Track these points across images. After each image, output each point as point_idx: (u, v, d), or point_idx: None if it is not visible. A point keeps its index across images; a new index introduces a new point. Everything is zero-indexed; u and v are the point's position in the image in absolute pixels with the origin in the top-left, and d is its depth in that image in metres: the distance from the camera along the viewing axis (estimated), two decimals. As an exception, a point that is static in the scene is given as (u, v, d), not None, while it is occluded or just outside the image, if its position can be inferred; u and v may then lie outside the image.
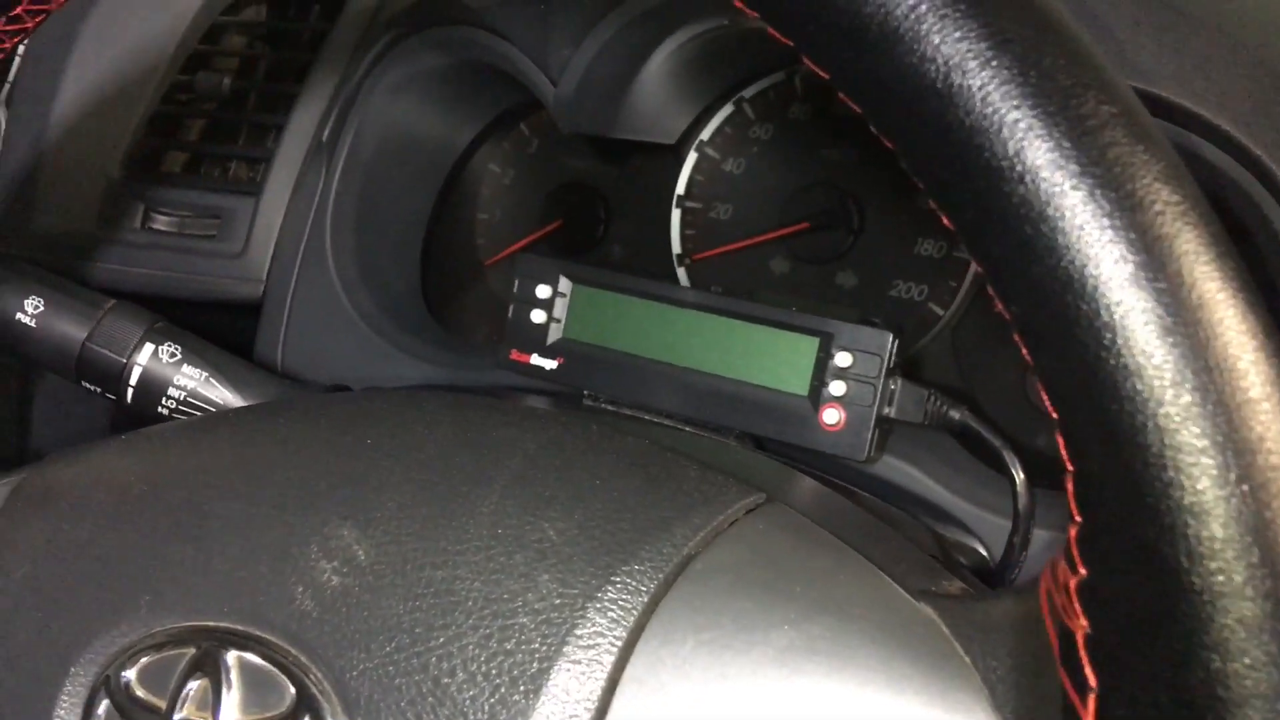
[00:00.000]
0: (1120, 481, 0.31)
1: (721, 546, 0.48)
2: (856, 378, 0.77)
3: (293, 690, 0.47)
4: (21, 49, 1.01)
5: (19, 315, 0.85)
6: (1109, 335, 0.31)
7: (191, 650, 0.49)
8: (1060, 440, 0.33)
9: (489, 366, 0.93)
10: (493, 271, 1.15)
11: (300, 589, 0.50)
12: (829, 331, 0.78)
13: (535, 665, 0.45)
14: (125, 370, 0.85)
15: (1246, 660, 0.29)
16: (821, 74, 0.37)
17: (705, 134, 1.03)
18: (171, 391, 0.85)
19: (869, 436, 0.76)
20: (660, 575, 0.46)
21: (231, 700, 0.48)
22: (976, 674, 0.43)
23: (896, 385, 0.77)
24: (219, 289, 1.01)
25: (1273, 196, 0.67)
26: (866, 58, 0.34)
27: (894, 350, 0.76)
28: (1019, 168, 0.32)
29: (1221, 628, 0.29)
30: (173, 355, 0.85)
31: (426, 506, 0.52)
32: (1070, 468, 0.33)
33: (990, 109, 0.32)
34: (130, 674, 0.50)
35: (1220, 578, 0.29)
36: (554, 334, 0.87)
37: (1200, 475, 0.30)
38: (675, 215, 1.04)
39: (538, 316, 0.87)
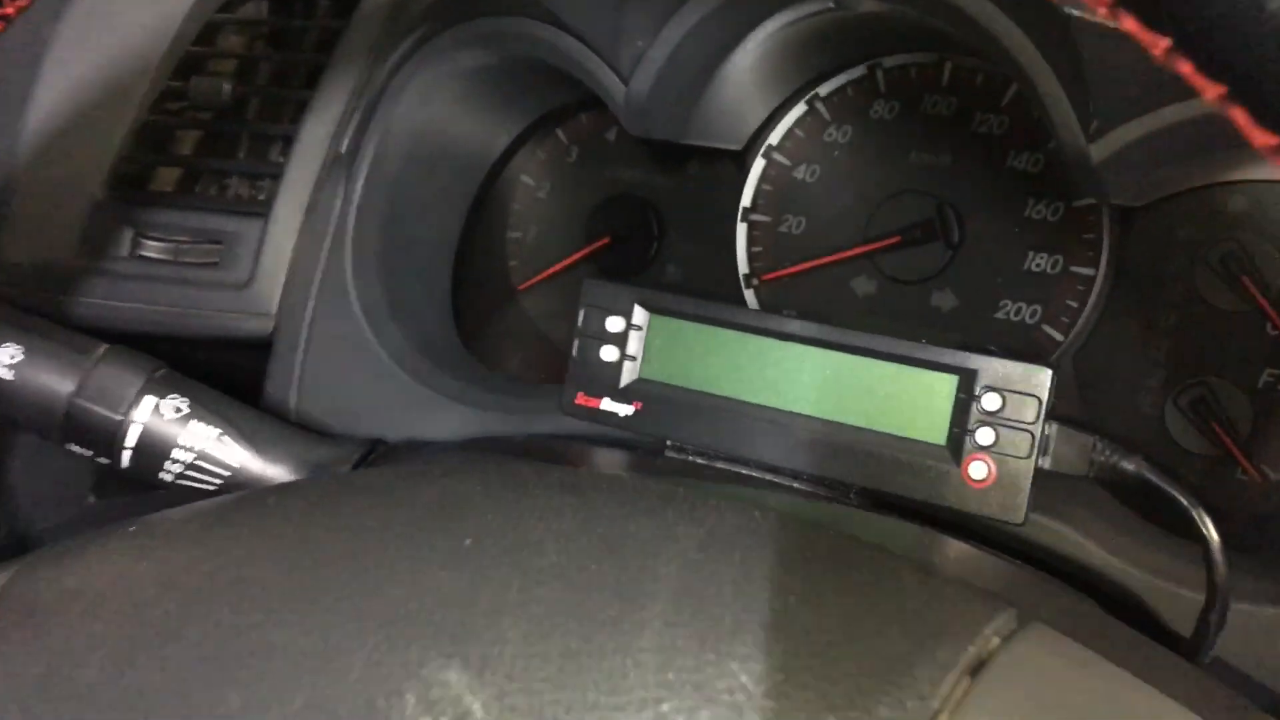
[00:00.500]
0: None
1: (983, 698, 0.35)
2: (1008, 423, 0.65)
3: None
4: (-14, 51, 0.87)
5: (-8, 367, 0.71)
6: None
7: None
8: None
9: (546, 412, 0.80)
10: (526, 296, 1.02)
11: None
12: (970, 368, 0.66)
13: None
14: (121, 430, 0.71)
15: None
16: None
17: (774, 138, 0.91)
18: (176, 454, 0.72)
19: (1026, 494, 0.64)
20: None
21: None
22: None
23: (1052, 431, 0.65)
24: (222, 325, 0.87)
25: None
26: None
27: (1053, 390, 0.64)
28: None
29: None
30: (178, 410, 0.72)
31: (563, 638, 0.39)
32: None
33: None
34: None
35: None
36: (628, 374, 0.74)
37: None
38: (741, 230, 0.92)
39: (608, 354, 0.74)
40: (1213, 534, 0.62)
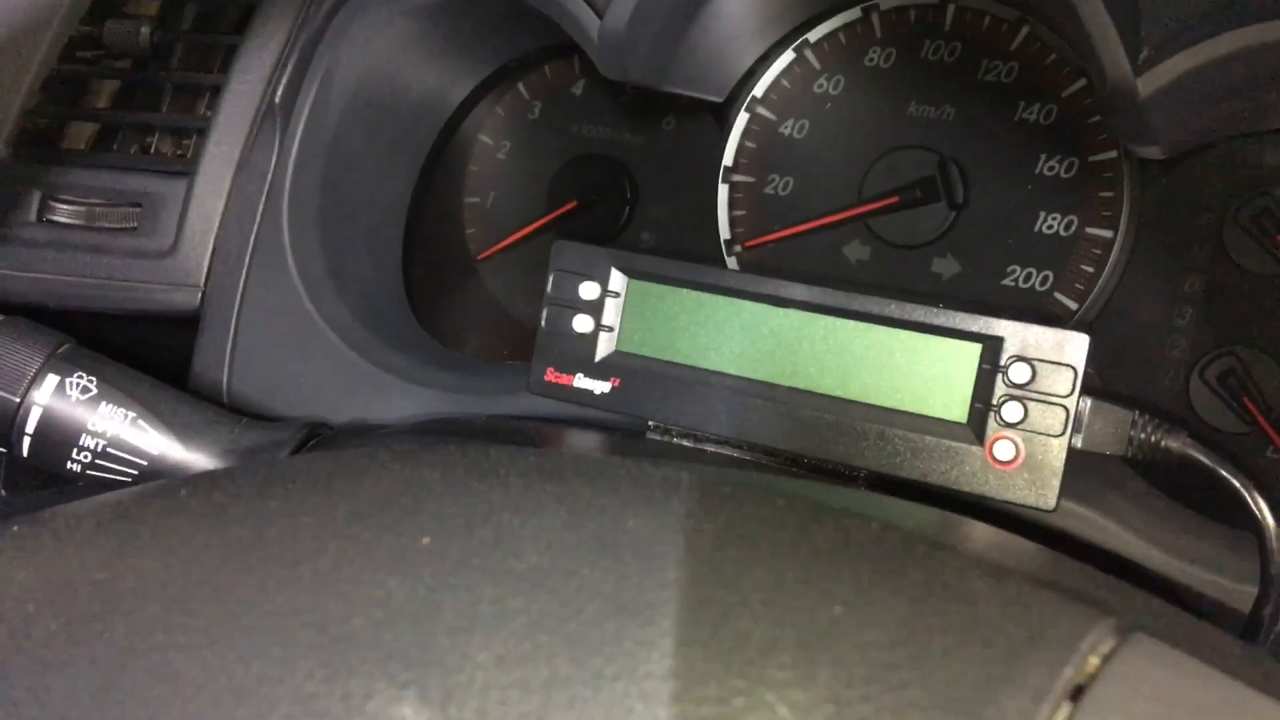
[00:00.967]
0: None
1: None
2: (1038, 397, 0.57)
3: None
4: None
5: None
6: None
7: None
8: None
9: (511, 391, 0.71)
10: (485, 267, 0.94)
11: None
12: (996, 335, 0.58)
13: None
14: (20, 413, 0.62)
15: None
16: None
17: (759, 89, 0.83)
18: (85, 440, 0.62)
19: (1058, 477, 0.57)
20: None
21: None
22: None
23: (1086, 406, 0.58)
24: (143, 297, 0.78)
25: None
26: None
27: (1089, 359, 0.56)
28: None
29: None
30: (85, 390, 0.62)
31: (547, 663, 0.30)
32: None
33: None
34: None
35: None
36: (604, 346, 0.66)
37: None
38: (722, 192, 0.84)
39: (582, 324, 0.65)
40: (1269, 519, 0.55)
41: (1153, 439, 0.57)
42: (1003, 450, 0.58)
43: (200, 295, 0.78)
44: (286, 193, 0.78)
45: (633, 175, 0.88)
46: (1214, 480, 0.56)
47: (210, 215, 0.78)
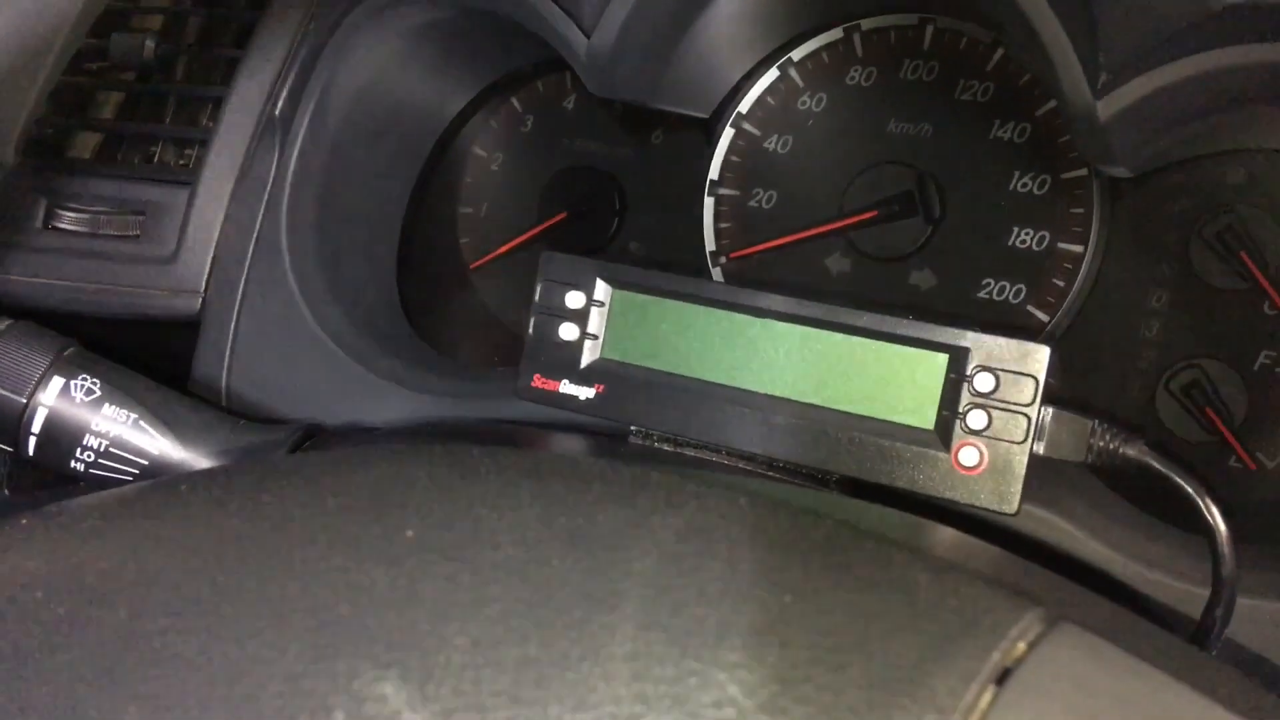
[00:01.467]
0: None
1: (1011, 710, 0.30)
2: (1002, 406, 0.59)
3: None
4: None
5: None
6: None
7: None
8: None
9: (500, 396, 0.74)
10: (478, 276, 0.96)
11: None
12: (962, 346, 0.60)
13: None
14: (26, 414, 0.64)
15: None
16: None
17: (744, 106, 0.85)
18: (89, 440, 0.65)
19: (1021, 483, 0.59)
20: None
21: None
22: None
23: (1047, 415, 0.60)
24: (145, 302, 0.81)
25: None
26: None
27: (1050, 369, 0.59)
28: None
29: None
30: (89, 392, 0.65)
31: (519, 645, 0.33)
32: None
33: None
34: None
35: None
36: (589, 354, 0.68)
37: None
38: (708, 205, 0.87)
39: (568, 332, 0.68)
40: (1220, 525, 0.57)
41: (1111, 446, 0.60)
42: (968, 456, 0.60)
43: (201, 300, 0.81)
44: (285, 202, 0.80)
45: (622, 187, 0.90)
46: (1169, 486, 0.59)
47: (211, 223, 0.81)
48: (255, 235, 0.80)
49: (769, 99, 0.85)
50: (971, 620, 0.33)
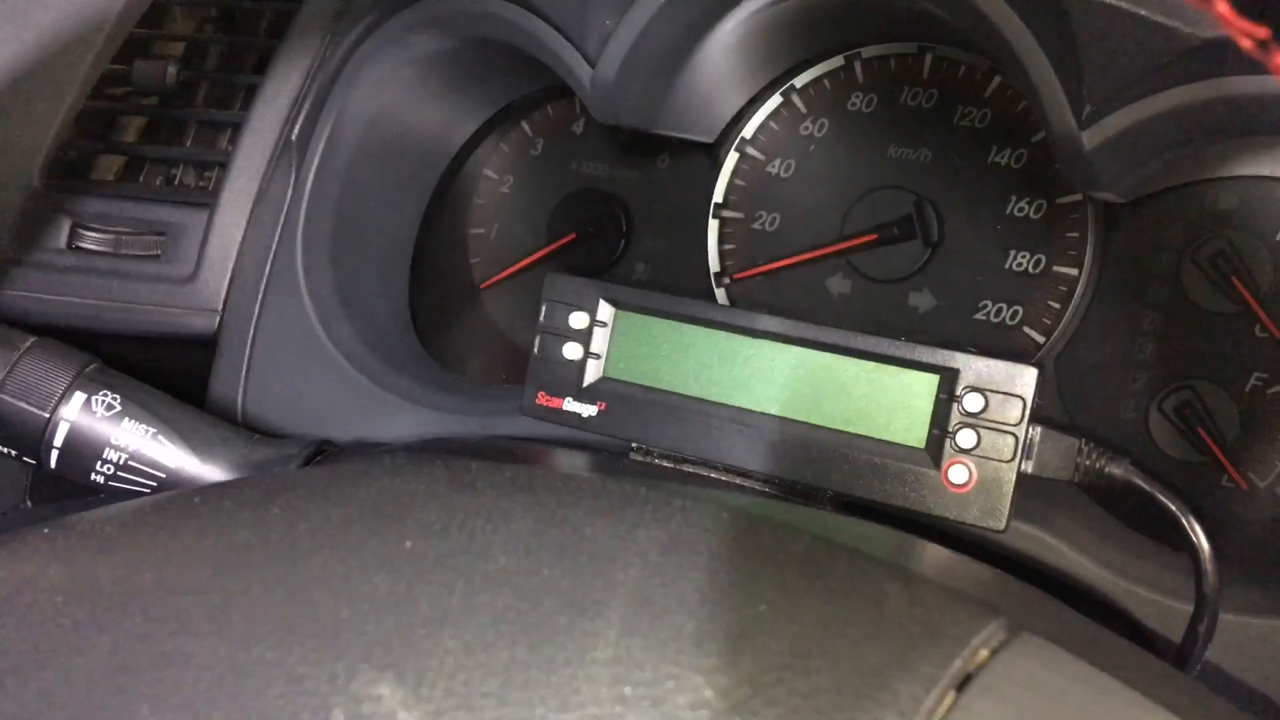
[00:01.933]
0: None
1: (969, 715, 0.32)
2: (990, 425, 0.61)
3: None
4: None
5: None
6: None
7: None
8: None
9: (506, 414, 0.76)
10: (488, 295, 0.98)
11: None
12: (952, 367, 0.62)
13: None
14: (49, 428, 0.67)
15: None
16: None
17: (748, 130, 0.88)
18: (108, 454, 0.67)
19: (1009, 500, 0.61)
20: None
21: None
22: None
23: (1035, 434, 0.62)
24: (164, 320, 0.83)
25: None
26: None
27: (1038, 390, 0.61)
28: None
29: None
30: (110, 408, 0.67)
31: (508, 649, 0.35)
32: None
33: None
34: None
35: None
36: (592, 373, 0.70)
37: None
38: (712, 227, 0.89)
39: (571, 351, 0.70)
40: (1203, 542, 0.58)
41: (1098, 465, 0.61)
42: (957, 474, 0.62)
43: (218, 319, 0.83)
44: (301, 224, 0.83)
45: (628, 210, 0.92)
46: (1155, 505, 0.60)
47: (229, 244, 0.83)
48: (272, 256, 0.83)
49: (772, 124, 0.87)
50: (936, 629, 0.34)
